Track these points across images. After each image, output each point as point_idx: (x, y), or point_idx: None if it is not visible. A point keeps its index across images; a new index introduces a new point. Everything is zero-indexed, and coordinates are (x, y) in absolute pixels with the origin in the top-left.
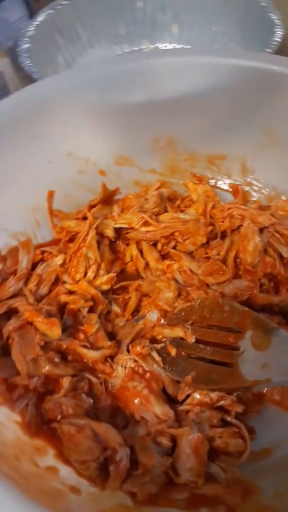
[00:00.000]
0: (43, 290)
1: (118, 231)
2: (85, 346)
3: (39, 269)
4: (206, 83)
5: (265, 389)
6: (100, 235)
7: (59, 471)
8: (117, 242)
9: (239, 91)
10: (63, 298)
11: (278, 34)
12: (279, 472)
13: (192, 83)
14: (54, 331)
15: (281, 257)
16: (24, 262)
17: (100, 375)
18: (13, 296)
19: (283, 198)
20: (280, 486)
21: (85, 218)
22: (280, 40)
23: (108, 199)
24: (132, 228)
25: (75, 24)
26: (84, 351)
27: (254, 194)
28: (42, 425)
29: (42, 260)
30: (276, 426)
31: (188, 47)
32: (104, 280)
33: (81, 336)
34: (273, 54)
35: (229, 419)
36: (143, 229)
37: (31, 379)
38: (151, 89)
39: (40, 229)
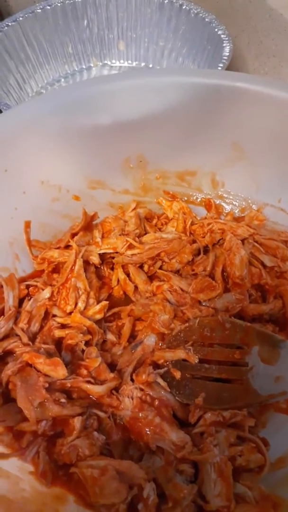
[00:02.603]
0: (35, 326)
1: (101, 256)
2: (89, 382)
3: (28, 306)
4: (170, 102)
5: None
6: (86, 263)
7: None
8: (101, 267)
9: (203, 107)
10: (58, 333)
11: (227, 48)
12: None
13: (156, 103)
14: (59, 371)
15: (264, 266)
16: (10, 299)
17: (107, 409)
18: (5, 337)
19: (255, 207)
20: None
21: (67, 247)
22: (229, 54)
23: (88, 225)
24: (117, 252)
25: (22, 45)
26: (89, 387)
27: (226, 206)
28: (57, 471)
29: (28, 295)
30: (284, 433)
31: (138, 63)
32: (97, 309)
33: (84, 371)
34: (226, 69)
35: (244, 434)
36: (129, 252)
37: (39, 424)
38: (116, 112)
39: (20, 262)
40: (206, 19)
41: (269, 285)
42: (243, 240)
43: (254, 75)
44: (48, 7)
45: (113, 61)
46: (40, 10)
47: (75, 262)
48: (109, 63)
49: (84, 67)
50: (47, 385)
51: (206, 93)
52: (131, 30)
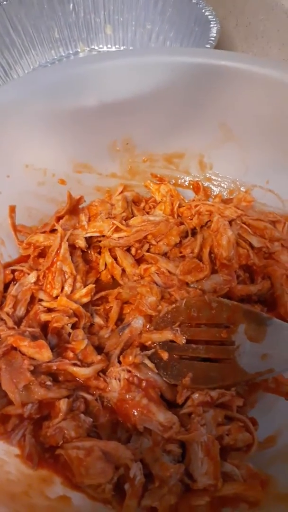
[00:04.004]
0: (20, 311)
1: (88, 240)
2: (75, 364)
3: (13, 290)
4: (157, 83)
5: None
6: (72, 247)
7: (71, 499)
8: (89, 251)
9: (190, 88)
10: (43, 317)
11: (214, 29)
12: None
13: (142, 84)
14: (44, 354)
15: (252, 247)
16: None
17: (94, 392)
18: None
19: (243, 189)
20: None
21: (53, 231)
22: (216, 35)
23: (74, 208)
24: (104, 235)
25: (7, 30)
26: (76, 369)
27: (214, 188)
28: (43, 453)
29: (13, 280)
30: (274, 413)
31: (125, 47)
32: (84, 293)
33: (70, 354)
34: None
35: (232, 414)
36: (115, 235)
37: (25, 407)
38: (102, 93)
39: (5, 247)
40: (193, 1)
41: (257, 266)
42: (230, 222)
43: (240, 53)
44: None
45: (101, 46)
46: None
47: (60, 245)
48: (96, 47)
49: (71, 52)
50: (32, 367)
51: (192, 73)
52: (118, 13)
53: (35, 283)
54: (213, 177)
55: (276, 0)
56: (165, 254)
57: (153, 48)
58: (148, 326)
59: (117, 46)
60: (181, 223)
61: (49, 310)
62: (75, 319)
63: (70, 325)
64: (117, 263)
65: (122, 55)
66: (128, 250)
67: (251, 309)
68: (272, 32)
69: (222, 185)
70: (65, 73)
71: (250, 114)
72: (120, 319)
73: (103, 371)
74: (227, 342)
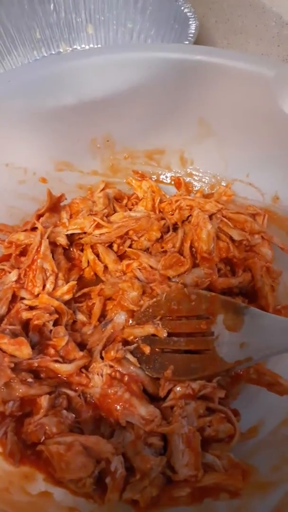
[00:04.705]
0: (2, 309)
1: (70, 237)
2: (57, 361)
3: None
4: (135, 79)
5: (241, 370)
6: (53, 244)
7: (52, 495)
8: (71, 249)
9: (167, 84)
10: (25, 315)
11: (193, 26)
12: (270, 447)
13: (121, 80)
14: (23, 350)
15: (232, 240)
16: None
17: (77, 388)
18: None
19: (224, 183)
20: (274, 461)
21: (34, 229)
22: (194, 31)
23: (54, 206)
24: (85, 232)
25: None
26: (57, 366)
27: (195, 183)
28: (25, 450)
29: None
30: (257, 404)
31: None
32: (65, 290)
33: (51, 351)
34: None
35: (214, 406)
36: (97, 232)
37: (6, 404)
38: (80, 91)
39: None
40: None
41: (237, 259)
42: (211, 216)
43: (216, 48)
44: None
45: (83, 45)
46: None
47: (40, 243)
48: (78, 47)
49: (53, 52)
50: (12, 365)
51: (169, 68)
52: (99, 12)
53: (17, 281)
54: (194, 172)
55: None
56: (147, 250)
57: (129, 45)
58: (130, 321)
59: (99, 45)
60: (162, 218)
61: (31, 308)
62: (56, 316)
63: (51, 322)
64: (99, 259)
65: (99, 52)
66: (110, 246)
67: (229, 299)
68: (250, 28)
69: (203, 180)
70: (42, 71)
71: (228, 109)
72: (103, 315)
73: (86, 367)
74: (207, 333)
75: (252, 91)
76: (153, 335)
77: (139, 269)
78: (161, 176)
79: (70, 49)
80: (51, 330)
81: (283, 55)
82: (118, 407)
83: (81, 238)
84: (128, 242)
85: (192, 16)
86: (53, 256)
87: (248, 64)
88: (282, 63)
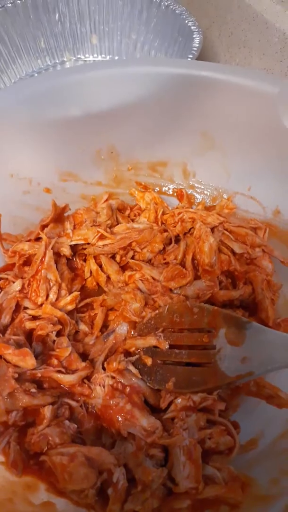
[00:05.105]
0: (5, 319)
1: (73, 247)
2: (60, 372)
3: None
4: (140, 93)
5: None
6: (57, 255)
7: (55, 505)
8: (74, 259)
9: (172, 97)
10: (28, 325)
11: (197, 39)
12: (268, 460)
13: (126, 94)
14: (28, 361)
15: (233, 253)
16: None
17: (79, 398)
18: None
19: (225, 196)
20: (273, 473)
21: (38, 239)
22: (198, 45)
23: (58, 216)
24: (89, 243)
25: None
26: (60, 376)
27: (197, 196)
28: (28, 460)
29: None
30: (255, 416)
31: (111, 57)
32: (68, 300)
33: (54, 361)
34: (196, 60)
35: (214, 418)
36: (100, 243)
37: (10, 414)
38: (85, 103)
39: None
40: (177, 11)
41: (239, 271)
42: (213, 229)
43: (221, 64)
44: (19, 1)
45: (87, 55)
46: (10, 5)
47: (45, 253)
48: (82, 57)
49: (57, 61)
50: (16, 375)
51: (174, 83)
52: (103, 23)
53: (20, 291)
54: (196, 185)
55: (257, 11)
56: (149, 261)
57: (135, 59)
58: (132, 332)
59: (103, 56)
60: (165, 230)
61: (34, 318)
62: (60, 326)
63: (54, 333)
64: (102, 270)
65: (105, 66)
66: (113, 257)
67: (231, 314)
68: (254, 41)
69: (205, 192)
70: (49, 83)
71: (230, 123)
72: (105, 325)
73: (88, 377)
74: (209, 346)
75: (256, 107)
76: (155, 346)
77: (141, 280)
78: (164, 188)
79: (74, 58)
80: (54, 340)
81: (285, 70)
82: (120, 418)
83: (84, 249)
84: (130, 253)
85: (196, 30)
86: (56, 267)
87: (252, 80)
88: (286, 79)
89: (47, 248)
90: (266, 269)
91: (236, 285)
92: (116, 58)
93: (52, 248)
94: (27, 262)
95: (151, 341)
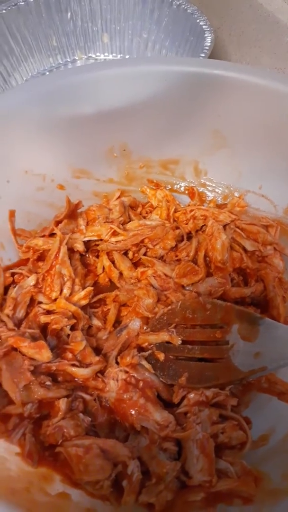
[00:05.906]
0: (20, 313)
1: (86, 244)
2: (74, 365)
3: (13, 292)
4: (152, 91)
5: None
6: (70, 250)
7: (70, 496)
8: (87, 255)
9: (184, 96)
10: (43, 319)
11: (209, 39)
12: (280, 455)
13: (138, 92)
14: (44, 354)
15: (245, 250)
16: None
17: (92, 392)
18: None
19: (237, 194)
20: (285, 468)
21: (51, 235)
22: (210, 44)
23: (72, 213)
24: (102, 239)
25: (6, 38)
26: (74, 370)
27: (209, 194)
28: (43, 452)
29: (13, 282)
30: (267, 412)
31: (122, 56)
32: (82, 295)
33: (69, 355)
34: (208, 58)
35: (227, 413)
36: (113, 239)
37: (25, 406)
38: (98, 101)
39: (5, 251)
40: (188, 10)
41: (250, 269)
42: (224, 226)
43: (233, 63)
44: (31, 0)
45: (98, 54)
46: (23, 3)
47: (59, 249)
48: (93, 55)
49: (69, 60)
50: (32, 368)
51: (187, 81)
52: (115, 22)
53: (35, 285)
54: (207, 183)
55: (268, 11)
56: (161, 258)
57: (147, 58)
58: (145, 328)
59: (114, 55)
60: (177, 228)
61: (48, 312)
62: (74, 321)
63: (69, 327)
64: (115, 266)
65: (117, 65)
66: (126, 253)
67: (244, 309)
68: (265, 41)
69: (217, 190)
70: (62, 81)
71: (242, 121)
72: (118, 321)
73: (101, 371)
74: (221, 342)
75: (267, 105)
76: (168, 342)
77: (153, 276)
78: (175, 186)
79: (85, 57)
80: (68, 335)
81: None
82: (133, 412)
83: (97, 245)
84: (143, 250)
85: (208, 29)
86: (70, 262)
87: (263, 79)
88: None
89: (61, 244)
90: (277, 267)
91: (248, 282)
92: (127, 57)
93: (66, 244)
94: (41, 257)
95: (163, 336)
